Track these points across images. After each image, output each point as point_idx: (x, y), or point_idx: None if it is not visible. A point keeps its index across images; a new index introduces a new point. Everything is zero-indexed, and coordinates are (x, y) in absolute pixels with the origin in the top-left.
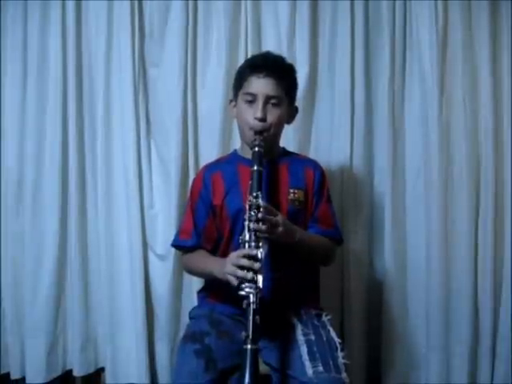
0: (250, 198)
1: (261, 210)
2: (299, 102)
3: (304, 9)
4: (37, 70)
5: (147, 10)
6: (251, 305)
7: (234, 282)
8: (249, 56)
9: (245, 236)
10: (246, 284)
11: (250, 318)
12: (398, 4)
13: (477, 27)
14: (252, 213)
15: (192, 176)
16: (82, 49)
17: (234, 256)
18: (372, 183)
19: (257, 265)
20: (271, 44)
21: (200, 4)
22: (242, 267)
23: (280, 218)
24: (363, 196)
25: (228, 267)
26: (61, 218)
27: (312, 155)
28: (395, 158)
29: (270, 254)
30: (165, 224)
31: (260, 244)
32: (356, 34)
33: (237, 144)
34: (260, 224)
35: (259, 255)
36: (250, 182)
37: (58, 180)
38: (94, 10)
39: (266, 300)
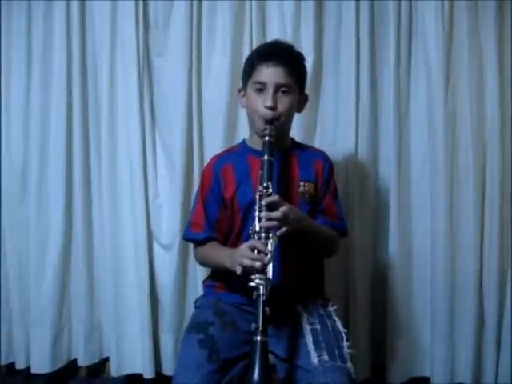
0: (260, 188)
1: (263, 205)
2: None
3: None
4: (41, 60)
5: None
6: (261, 296)
7: (240, 272)
8: (254, 45)
9: (255, 227)
10: (256, 275)
11: (260, 309)
12: None
13: (482, 17)
14: (262, 203)
15: (197, 166)
16: (86, 39)
17: (244, 248)
18: (377, 172)
19: (267, 257)
20: (276, 31)
21: None
22: (251, 259)
23: (287, 208)
24: (368, 185)
25: (239, 259)
26: (65, 209)
27: (317, 145)
28: (400, 148)
29: (277, 245)
30: (169, 214)
31: (270, 235)
32: (361, 23)
33: (242, 134)
34: (265, 221)
35: (269, 246)
36: (261, 172)
37: (63, 170)
38: None
39: (272, 290)
